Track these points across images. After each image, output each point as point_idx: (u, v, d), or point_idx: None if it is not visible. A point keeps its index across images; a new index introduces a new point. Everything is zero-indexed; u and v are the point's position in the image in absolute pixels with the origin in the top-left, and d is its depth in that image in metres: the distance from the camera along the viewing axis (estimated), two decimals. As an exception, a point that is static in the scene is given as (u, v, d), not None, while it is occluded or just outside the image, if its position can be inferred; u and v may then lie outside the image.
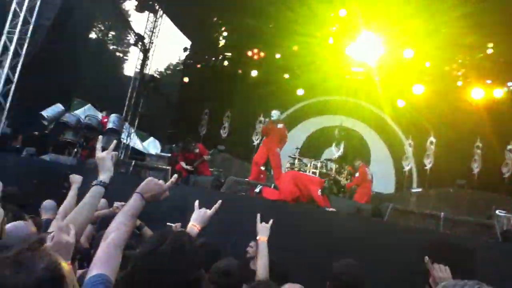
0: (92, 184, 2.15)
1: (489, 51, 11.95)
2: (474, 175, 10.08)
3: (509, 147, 9.93)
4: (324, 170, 9.13)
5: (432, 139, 10.77)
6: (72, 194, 3.23)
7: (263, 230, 3.23)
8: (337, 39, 13.26)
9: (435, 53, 12.47)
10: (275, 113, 9.37)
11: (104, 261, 1.68)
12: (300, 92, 14.67)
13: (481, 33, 11.10)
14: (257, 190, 7.57)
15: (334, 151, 10.17)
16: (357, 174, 9.19)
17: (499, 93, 12.01)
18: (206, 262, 2.49)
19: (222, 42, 15.05)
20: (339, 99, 14.41)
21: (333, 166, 9.56)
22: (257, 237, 3.21)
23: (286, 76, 14.84)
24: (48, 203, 4.48)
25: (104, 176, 2.20)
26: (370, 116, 13.96)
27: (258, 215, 3.24)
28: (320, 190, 7.26)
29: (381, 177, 12.66)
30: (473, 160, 10.24)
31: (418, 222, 6.76)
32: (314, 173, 9.32)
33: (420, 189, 10.32)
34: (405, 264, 5.51)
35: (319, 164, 9.13)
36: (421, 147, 11.22)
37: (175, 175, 2.28)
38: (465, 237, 6.12)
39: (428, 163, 10.50)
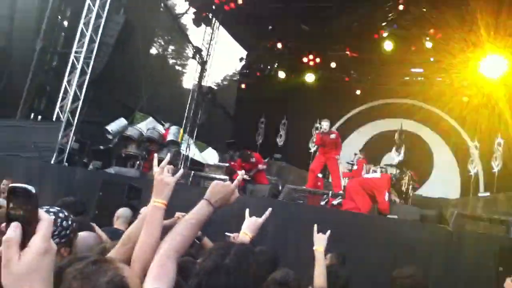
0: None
1: None
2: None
3: None
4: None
5: (499, 140, 10.17)
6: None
7: (320, 241, 3.21)
8: (395, 39, 12.88)
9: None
10: (325, 124, 9.34)
11: (159, 274, 1.64)
12: (358, 95, 14.42)
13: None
14: (335, 202, 7.41)
15: (394, 156, 9.88)
16: (355, 167, 9.37)
17: None
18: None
19: (277, 50, 15.12)
20: (399, 101, 14.01)
21: (394, 171, 9.30)
22: (314, 247, 3.21)
23: (345, 79, 14.66)
24: (123, 210, 4.63)
25: None
26: (431, 118, 13.44)
27: (315, 226, 3.22)
28: (387, 194, 7.04)
29: (445, 181, 12.15)
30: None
31: (486, 228, 6.43)
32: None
33: (487, 194, 9.78)
34: (473, 273, 5.27)
35: (378, 170, 8.89)
36: (488, 149, 10.65)
37: (242, 172, 2.21)
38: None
39: (496, 166, 9.92)
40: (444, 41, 12.14)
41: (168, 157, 2.11)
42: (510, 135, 10.29)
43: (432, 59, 13.24)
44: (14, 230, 0.88)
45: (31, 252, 0.87)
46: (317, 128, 12.47)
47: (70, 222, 2.30)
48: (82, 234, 3.06)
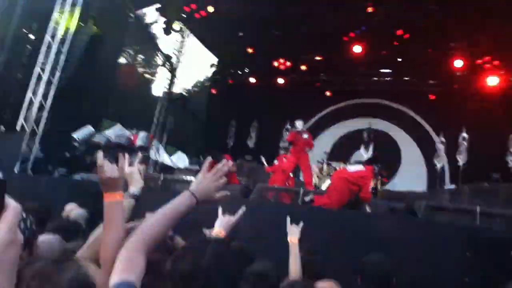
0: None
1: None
2: (510, 168, 9.68)
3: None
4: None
5: (464, 134, 10.44)
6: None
7: (293, 231, 3.27)
8: (365, 40, 13.06)
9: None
10: (299, 124, 9.41)
11: (126, 267, 1.50)
12: (327, 97, 14.59)
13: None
14: (307, 198, 7.40)
15: (363, 153, 10.02)
16: (276, 162, 9.85)
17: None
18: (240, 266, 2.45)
19: (248, 55, 15.21)
20: (367, 101, 14.24)
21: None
22: (288, 238, 3.24)
23: (315, 82, 14.81)
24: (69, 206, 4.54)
25: (134, 188, 2.14)
26: (399, 116, 13.72)
27: (288, 217, 3.32)
28: (372, 186, 7.17)
29: (412, 176, 12.40)
30: (509, 153, 9.85)
31: (453, 218, 6.57)
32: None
33: (453, 186, 10.02)
34: (443, 260, 5.36)
35: (351, 165, 8.99)
36: (453, 143, 10.93)
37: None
38: (503, 230, 5.89)
39: (461, 159, 10.18)
40: (412, 41, 12.42)
41: (139, 158, 2.03)
42: (473, 129, 10.59)
43: (399, 59, 13.52)
44: None
45: None
46: (287, 129, 12.60)
47: (29, 224, 2.24)
48: (45, 237, 2.96)
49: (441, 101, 12.80)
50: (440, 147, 11.62)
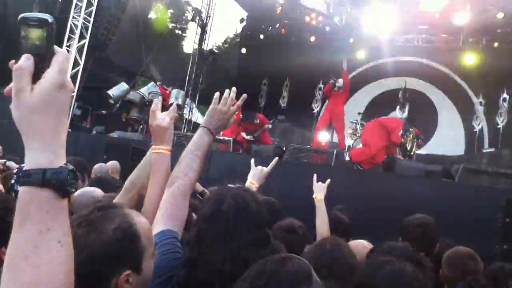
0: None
1: None
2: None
3: None
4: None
5: (505, 95, 10.04)
6: None
7: (319, 189, 3.25)
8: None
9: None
10: (340, 81, 9.24)
11: (173, 214, 1.58)
12: (361, 55, 14.15)
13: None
14: (347, 158, 7.35)
15: (398, 114, 9.79)
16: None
17: None
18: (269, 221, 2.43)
19: (278, 10, 14.81)
20: (403, 59, 13.76)
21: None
22: (313, 196, 3.23)
23: (350, 40, 14.35)
24: (99, 167, 4.61)
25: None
26: (436, 76, 13.20)
27: (315, 175, 3.26)
28: (401, 132, 7.10)
29: (450, 139, 12.05)
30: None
31: (491, 182, 6.42)
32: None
33: (492, 149, 9.75)
34: (480, 225, 5.28)
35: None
36: (493, 105, 10.53)
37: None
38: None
39: (501, 122, 9.85)
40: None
41: (173, 107, 1.98)
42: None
43: (437, 16, 12.93)
44: (26, 60, 0.79)
45: (45, 82, 0.79)
46: (320, 89, 12.39)
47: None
48: (80, 190, 3.01)
49: (480, 61, 12.25)
50: (479, 109, 11.25)
